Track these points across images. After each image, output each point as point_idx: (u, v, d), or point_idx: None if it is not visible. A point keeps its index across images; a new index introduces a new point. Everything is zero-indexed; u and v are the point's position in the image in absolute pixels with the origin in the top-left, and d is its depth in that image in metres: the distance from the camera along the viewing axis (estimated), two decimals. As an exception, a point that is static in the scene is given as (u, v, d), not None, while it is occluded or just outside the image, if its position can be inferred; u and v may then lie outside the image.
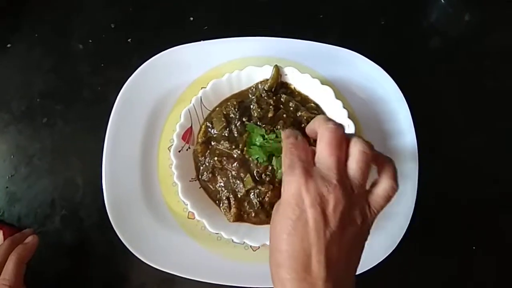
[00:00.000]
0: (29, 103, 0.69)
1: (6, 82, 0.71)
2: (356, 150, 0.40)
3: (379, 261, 0.59)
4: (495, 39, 0.74)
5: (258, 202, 0.57)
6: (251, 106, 0.61)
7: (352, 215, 0.39)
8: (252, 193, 0.57)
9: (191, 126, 0.60)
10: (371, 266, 0.59)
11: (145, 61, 0.65)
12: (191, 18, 0.73)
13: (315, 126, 0.43)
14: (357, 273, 0.57)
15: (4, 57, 0.71)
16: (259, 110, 0.60)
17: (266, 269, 0.59)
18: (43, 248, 0.64)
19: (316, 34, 0.67)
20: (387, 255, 0.59)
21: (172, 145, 0.59)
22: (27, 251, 0.56)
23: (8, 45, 0.72)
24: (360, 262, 0.57)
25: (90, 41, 0.72)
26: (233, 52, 0.66)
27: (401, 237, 0.59)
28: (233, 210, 0.57)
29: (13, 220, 0.66)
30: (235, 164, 0.58)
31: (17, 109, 0.69)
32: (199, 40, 0.66)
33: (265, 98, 0.61)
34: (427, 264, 0.64)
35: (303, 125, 0.60)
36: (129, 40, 0.72)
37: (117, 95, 0.64)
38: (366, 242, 0.54)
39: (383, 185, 0.41)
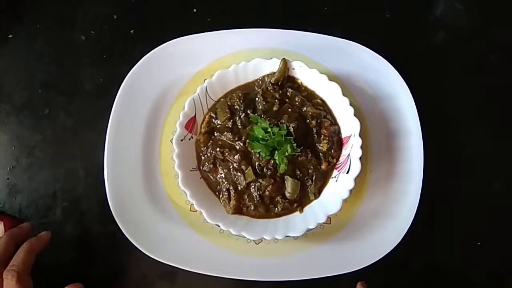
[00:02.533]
0: (31, 94, 0.69)
1: (8, 73, 0.70)
2: None
3: (383, 255, 0.58)
4: (500, 34, 0.73)
5: (258, 196, 0.57)
6: (257, 99, 0.61)
7: None
8: (253, 186, 0.57)
9: (195, 116, 0.60)
10: (375, 260, 0.58)
11: (147, 52, 0.64)
12: (195, 10, 0.72)
13: None
14: (363, 266, 0.57)
15: (6, 47, 0.71)
16: (264, 103, 0.60)
17: (268, 263, 0.60)
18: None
19: (319, 27, 0.66)
20: (390, 250, 0.58)
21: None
22: (40, 242, 0.57)
23: (10, 36, 0.71)
24: (365, 256, 0.58)
25: (92, 32, 0.71)
26: (237, 44, 0.65)
27: (404, 233, 0.59)
28: (232, 202, 0.57)
29: (14, 211, 0.66)
30: (237, 156, 0.57)
31: (18, 100, 0.69)
32: (202, 32, 0.65)
33: (271, 91, 0.61)
34: (431, 260, 0.64)
35: (308, 120, 0.59)
36: (131, 31, 0.71)
37: (119, 86, 0.63)
38: (372, 237, 0.55)
39: None
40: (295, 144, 0.56)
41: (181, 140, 0.58)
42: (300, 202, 0.58)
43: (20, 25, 0.72)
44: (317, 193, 0.58)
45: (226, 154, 0.58)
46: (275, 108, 0.59)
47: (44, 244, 0.58)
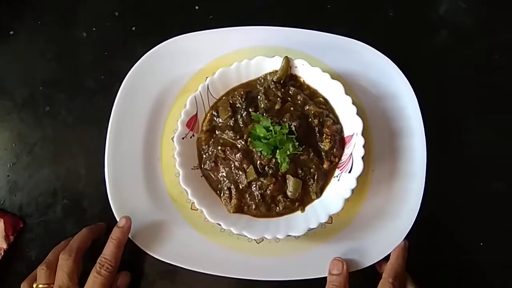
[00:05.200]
0: (32, 91, 0.69)
1: (9, 70, 0.70)
2: None
3: (385, 255, 0.58)
4: (504, 33, 0.72)
5: (259, 195, 0.56)
6: (259, 97, 0.60)
7: None
8: (254, 185, 0.57)
9: (196, 114, 0.59)
10: (377, 260, 0.58)
11: (149, 49, 0.64)
12: (197, 7, 0.72)
13: None
14: (365, 266, 0.57)
15: (7, 44, 0.71)
16: (266, 102, 0.60)
17: (269, 262, 0.59)
18: (44, 237, 0.64)
19: (322, 25, 0.66)
20: (392, 250, 0.58)
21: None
22: (123, 234, 0.58)
23: (11, 32, 0.71)
24: (367, 256, 0.58)
25: (94, 29, 0.71)
26: (239, 41, 0.65)
27: (407, 232, 0.59)
28: (233, 201, 0.57)
29: (14, 209, 0.65)
30: (238, 154, 0.57)
31: (19, 97, 0.69)
32: (204, 29, 0.65)
33: (273, 89, 0.60)
34: (433, 259, 0.63)
35: (310, 119, 0.59)
36: (133, 28, 0.71)
37: (121, 84, 0.63)
38: (374, 237, 0.58)
39: None
40: (297, 143, 0.56)
41: (182, 138, 0.58)
42: (301, 201, 0.58)
43: (21, 21, 0.71)
44: (319, 193, 0.58)
45: (228, 152, 0.57)
46: (277, 107, 0.59)
47: (128, 233, 0.58)
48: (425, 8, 0.73)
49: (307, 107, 0.60)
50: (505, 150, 0.67)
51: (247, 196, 0.57)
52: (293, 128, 0.57)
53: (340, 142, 0.59)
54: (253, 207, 0.57)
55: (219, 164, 0.58)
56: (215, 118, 0.60)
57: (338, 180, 0.58)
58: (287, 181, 0.57)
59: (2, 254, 0.62)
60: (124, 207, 0.60)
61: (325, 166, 0.58)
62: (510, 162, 0.67)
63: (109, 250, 0.56)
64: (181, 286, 0.62)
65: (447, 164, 0.65)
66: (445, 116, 0.68)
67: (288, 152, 0.56)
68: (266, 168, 0.57)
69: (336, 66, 0.65)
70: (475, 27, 0.73)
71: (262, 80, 0.62)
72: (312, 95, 0.62)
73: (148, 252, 0.59)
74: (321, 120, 0.59)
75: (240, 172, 0.57)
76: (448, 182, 0.65)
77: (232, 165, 0.57)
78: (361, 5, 0.73)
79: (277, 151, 0.56)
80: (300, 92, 0.61)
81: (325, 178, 0.59)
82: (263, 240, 0.60)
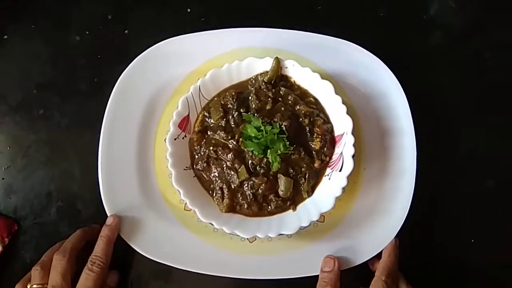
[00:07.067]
0: (26, 95, 0.69)
1: (3, 73, 0.71)
2: None
3: (376, 253, 0.59)
4: (494, 32, 0.73)
5: (251, 194, 0.57)
6: (250, 98, 0.61)
7: None
8: (246, 185, 0.57)
9: (188, 115, 0.60)
10: (368, 258, 0.59)
11: (141, 52, 0.65)
12: (188, 10, 0.72)
13: None
14: (357, 264, 0.58)
15: (1, 48, 0.71)
16: (257, 102, 0.60)
17: (262, 261, 0.60)
18: (39, 239, 0.64)
19: (314, 26, 0.67)
20: (383, 247, 0.59)
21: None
22: (112, 231, 0.59)
23: (5, 36, 0.72)
24: (359, 254, 0.58)
25: (87, 32, 0.71)
26: (231, 43, 0.66)
27: (398, 230, 0.59)
28: (226, 200, 0.57)
29: (9, 211, 0.66)
30: (230, 154, 0.57)
31: (13, 101, 0.69)
32: (196, 32, 0.66)
33: (264, 90, 0.61)
34: (424, 256, 0.64)
35: (300, 119, 0.60)
36: (126, 31, 0.71)
37: (114, 86, 0.64)
38: (365, 235, 0.59)
39: None
40: (288, 143, 0.57)
41: (175, 139, 0.58)
42: (293, 200, 0.58)
43: (15, 26, 0.72)
44: (310, 191, 0.58)
45: (220, 152, 0.58)
46: (268, 107, 0.60)
47: (117, 231, 0.59)
48: (415, 8, 0.74)
49: (298, 107, 0.60)
50: (495, 148, 0.68)
51: (239, 195, 0.58)
52: (284, 128, 0.58)
53: (330, 141, 0.59)
54: (245, 206, 0.58)
55: (211, 164, 0.59)
56: (207, 119, 0.61)
57: (329, 179, 0.59)
58: (279, 180, 0.57)
59: (-3, 256, 0.62)
60: (117, 208, 0.60)
61: (316, 165, 0.58)
62: (500, 160, 0.67)
63: (99, 247, 0.57)
64: (174, 286, 0.63)
65: (437, 162, 0.66)
66: (435, 115, 0.68)
67: (279, 152, 0.56)
68: (257, 167, 0.57)
69: (326, 66, 0.65)
70: (465, 26, 0.74)
71: (253, 81, 0.63)
72: (303, 95, 0.62)
73: (142, 253, 0.59)
74: (311, 119, 0.59)
75: (232, 172, 0.57)
76: (439, 180, 0.66)
77: (224, 165, 0.58)
78: (351, 5, 0.74)
79: (268, 150, 0.57)
80: (290, 92, 0.61)
81: (316, 177, 0.59)
82: (255, 239, 0.60)
